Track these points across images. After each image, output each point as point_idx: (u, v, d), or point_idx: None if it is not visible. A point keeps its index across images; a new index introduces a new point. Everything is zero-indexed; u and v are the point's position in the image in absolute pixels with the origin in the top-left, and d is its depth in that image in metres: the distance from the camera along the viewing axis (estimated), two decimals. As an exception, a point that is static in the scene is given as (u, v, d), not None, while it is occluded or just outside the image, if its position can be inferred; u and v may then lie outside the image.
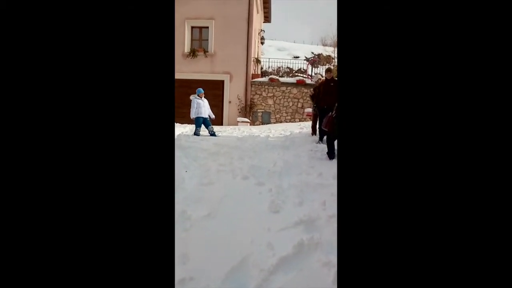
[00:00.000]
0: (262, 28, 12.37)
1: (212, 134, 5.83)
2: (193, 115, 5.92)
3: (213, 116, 6.17)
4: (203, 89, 6.23)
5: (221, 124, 9.45)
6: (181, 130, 6.37)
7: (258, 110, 9.82)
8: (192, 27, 9.95)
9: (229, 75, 9.80)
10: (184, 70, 10.04)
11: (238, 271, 1.38)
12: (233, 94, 9.84)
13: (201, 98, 5.99)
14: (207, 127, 5.91)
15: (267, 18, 13.63)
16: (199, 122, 5.90)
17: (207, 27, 9.87)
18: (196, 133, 5.81)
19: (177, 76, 10.03)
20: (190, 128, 6.61)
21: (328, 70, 4.56)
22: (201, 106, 5.91)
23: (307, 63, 10.96)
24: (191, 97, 6.11)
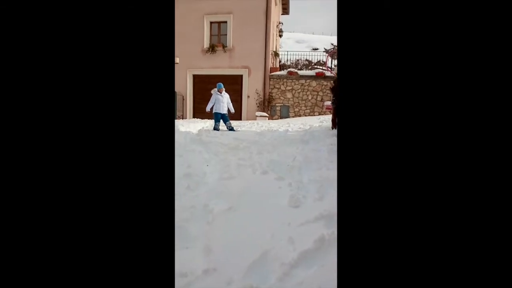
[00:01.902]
0: (280, 21, 12.18)
1: (231, 129, 5.90)
2: (207, 109, 6.12)
3: (232, 110, 6.24)
4: (223, 84, 6.30)
5: (240, 119, 9.51)
6: (202, 125, 6.49)
7: (277, 104, 9.76)
8: (211, 22, 10.02)
9: (247, 69, 9.80)
10: (203, 65, 10.15)
11: (260, 264, 1.41)
12: (251, 88, 9.84)
13: (221, 93, 6.06)
14: (225, 122, 5.99)
15: (285, 10, 13.40)
16: (217, 117, 6.01)
17: (226, 22, 9.89)
18: (216, 128, 5.91)
19: (197, 72, 10.19)
20: (210, 123, 6.72)
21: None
22: (220, 102, 5.99)
23: (327, 55, 10.69)
24: (212, 91, 6.21)
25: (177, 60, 9.99)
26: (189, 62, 9.92)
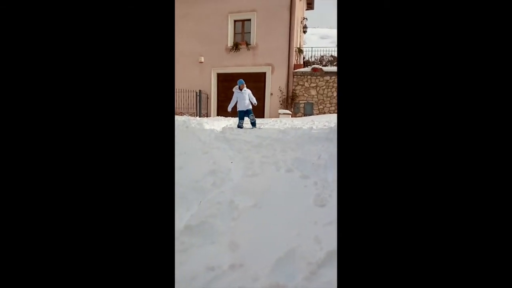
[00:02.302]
0: (305, 16, 11.97)
1: (253, 123, 5.94)
2: (229, 109, 6.22)
3: (254, 102, 6.26)
4: (245, 82, 6.34)
5: (263, 116, 9.51)
6: (226, 123, 6.58)
7: (300, 102, 9.63)
8: (235, 21, 10.08)
9: (270, 66, 9.76)
10: (227, 64, 10.26)
11: (286, 262, 1.41)
12: (274, 86, 9.79)
13: (241, 89, 6.11)
14: (248, 116, 6.04)
15: (310, 5, 13.15)
16: (241, 115, 6.07)
17: (249, 20, 9.91)
18: (240, 126, 5.97)
19: (221, 70, 10.32)
20: (234, 121, 6.80)
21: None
22: (241, 99, 6.04)
23: (353, 50, 10.32)
24: (234, 89, 6.28)
25: (202, 59, 10.19)
26: (213, 61, 10.08)
